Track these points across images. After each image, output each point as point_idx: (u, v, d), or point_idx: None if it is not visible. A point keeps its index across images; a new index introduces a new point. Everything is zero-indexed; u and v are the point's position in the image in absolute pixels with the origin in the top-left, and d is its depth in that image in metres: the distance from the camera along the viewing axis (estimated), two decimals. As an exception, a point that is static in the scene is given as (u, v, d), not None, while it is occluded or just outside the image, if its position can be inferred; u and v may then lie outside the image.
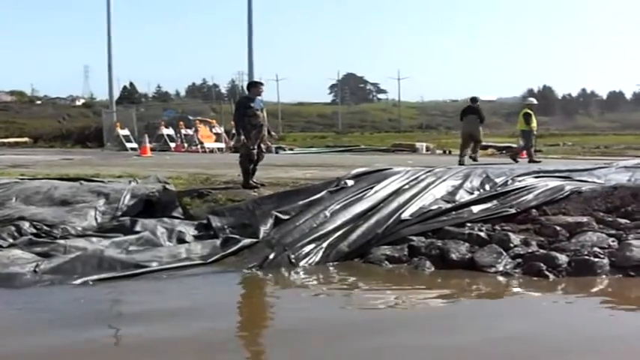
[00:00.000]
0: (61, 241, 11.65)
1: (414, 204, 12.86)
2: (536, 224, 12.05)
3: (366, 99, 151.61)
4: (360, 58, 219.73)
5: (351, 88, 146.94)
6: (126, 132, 41.08)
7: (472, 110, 24.33)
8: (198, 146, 39.29)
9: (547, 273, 10.22)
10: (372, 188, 13.29)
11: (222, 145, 39.64)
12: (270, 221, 12.50)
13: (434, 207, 12.85)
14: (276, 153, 35.47)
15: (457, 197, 13.32)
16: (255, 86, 15.71)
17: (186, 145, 39.87)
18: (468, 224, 12.15)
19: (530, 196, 13.12)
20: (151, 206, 13.64)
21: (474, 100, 24.73)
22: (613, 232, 11.50)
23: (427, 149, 42.14)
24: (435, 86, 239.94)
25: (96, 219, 12.98)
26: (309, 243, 11.68)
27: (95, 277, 10.31)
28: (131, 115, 45.11)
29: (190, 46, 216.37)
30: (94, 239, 11.90)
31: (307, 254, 11.43)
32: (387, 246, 11.61)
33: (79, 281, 10.14)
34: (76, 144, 48.87)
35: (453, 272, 10.69)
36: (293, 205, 12.91)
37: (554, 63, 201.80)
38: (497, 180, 14.18)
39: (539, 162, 22.45)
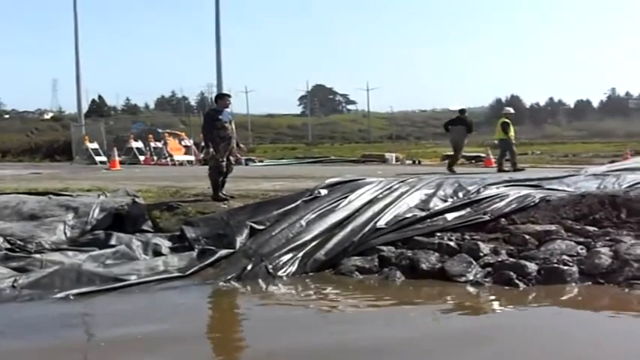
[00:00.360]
0: (37, 256, 11.55)
1: (388, 212, 12.90)
2: (506, 233, 12.12)
3: (335, 110, 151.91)
4: (329, 69, 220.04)
5: (320, 99, 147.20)
6: (95, 145, 40.87)
7: (459, 121, 25.21)
8: (168, 159, 39.19)
9: (517, 282, 10.27)
10: (346, 198, 13.31)
11: (191, 157, 39.53)
12: (246, 231, 12.48)
13: (408, 215, 12.90)
14: (246, 165, 35.49)
15: (431, 205, 13.34)
16: (222, 98, 15.78)
17: (155, 157, 39.75)
18: (438, 234, 12.21)
19: (502, 204, 13.21)
20: (120, 220, 13.55)
21: (462, 111, 25.93)
22: (582, 239, 11.59)
23: (397, 159, 42.17)
24: (405, 97, 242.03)
25: (65, 233, 12.88)
26: (286, 253, 11.69)
27: (75, 291, 10.25)
28: (100, 129, 44.94)
29: (159, 59, 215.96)
30: (70, 253, 11.82)
31: (285, 264, 11.46)
32: (358, 257, 11.64)
33: (59, 295, 10.08)
34: (44, 158, 48.65)
35: (423, 282, 10.71)
36: (268, 215, 12.90)
37: (522, 72, 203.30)
38: (470, 188, 14.24)
39: (508, 172, 22.59)
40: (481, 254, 11.24)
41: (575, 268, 10.51)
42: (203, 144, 16.22)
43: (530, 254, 11.13)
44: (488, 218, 12.79)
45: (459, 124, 25.10)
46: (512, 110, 26.68)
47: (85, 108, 64.39)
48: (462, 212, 13.10)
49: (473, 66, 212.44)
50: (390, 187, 13.93)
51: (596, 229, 12.04)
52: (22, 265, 11.21)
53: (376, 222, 12.59)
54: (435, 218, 12.88)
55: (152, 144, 40.54)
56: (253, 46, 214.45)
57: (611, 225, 12.14)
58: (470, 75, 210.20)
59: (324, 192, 13.61)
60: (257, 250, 11.83)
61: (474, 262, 10.95)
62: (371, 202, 13.21)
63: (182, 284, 10.86)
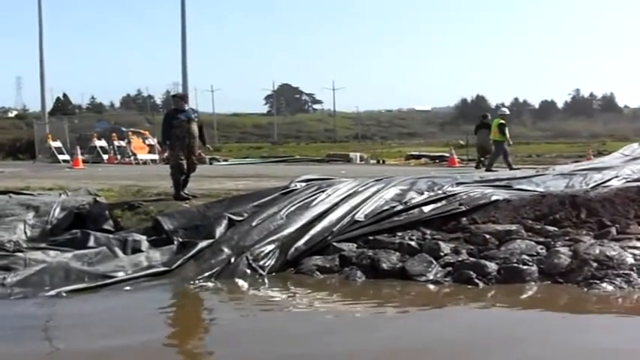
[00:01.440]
0: (20, 254, 11.51)
1: (366, 206, 13.05)
2: (466, 233, 12.17)
3: (301, 109, 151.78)
4: (295, 68, 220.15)
5: (286, 98, 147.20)
6: (58, 144, 40.48)
7: (484, 125, 27.71)
8: (131, 158, 39.00)
9: (477, 281, 10.34)
10: (323, 192, 13.43)
11: (155, 156, 39.32)
12: (225, 222, 12.52)
13: (386, 207, 13.04)
14: (210, 164, 35.34)
15: (407, 198, 13.47)
16: (174, 99, 15.98)
17: (119, 156, 39.53)
18: (399, 233, 12.24)
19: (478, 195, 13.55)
20: (81, 219, 13.47)
21: (484, 116, 28.76)
22: (541, 239, 11.67)
23: (361, 159, 42.31)
24: (370, 97, 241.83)
25: (25, 232, 12.76)
26: (268, 244, 11.77)
27: (68, 288, 10.30)
28: (63, 127, 44.54)
29: (125, 57, 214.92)
30: (52, 252, 11.71)
31: (266, 255, 11.56)
32: (319, 256, 11.64)
33: (51, 293, 10.12)
34: (7, 156, 48.12)
35: (384, 282, 10.73)
36: (245, 207, 13.02)
37: (487, 73, 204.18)
38: (444, 183, 14.54)
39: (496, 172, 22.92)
40: (442, 254, 11.28)
41: (534, 268, 10.58)
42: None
43: (491, 254, 11.19)
44: (465, 209, 12.97)
45: (482, 128, 27.75)
46: (507, 111, 28.12)
47: (49, 106, 64.13)
48: (438, 204, 13.27)
49: (438, 66, 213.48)
50: (367, 184, 14.06)
51: (556, 228, 12.13)
52: (5, 263, 11.19)
53: (354, 215, 12.73)
54: (411, 211, 13.04)
55: (116, 143, 40.34)
56: (219, 45, 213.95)
57: (571, 225, 12.23)
58: (435, 75, 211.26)
59: (300, 185, 13.77)
60: (238, 241, 11.86)
61: (435, 262, 10.98)
62: (349, 197, 13.33)
63: (170, 281, 10.92)
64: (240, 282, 10.91)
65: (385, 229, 12.46)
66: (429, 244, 11.68)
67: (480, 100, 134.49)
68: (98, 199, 14.38)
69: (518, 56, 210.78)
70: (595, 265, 10.35)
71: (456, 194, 13.65)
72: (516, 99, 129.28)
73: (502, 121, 25.67)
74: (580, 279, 10.19)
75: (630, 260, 10.47)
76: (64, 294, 10.12)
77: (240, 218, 12.66)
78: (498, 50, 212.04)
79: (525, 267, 10.57)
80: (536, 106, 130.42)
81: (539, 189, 14.65)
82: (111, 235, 12.54)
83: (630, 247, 10.92)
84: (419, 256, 11.19)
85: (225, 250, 11.61)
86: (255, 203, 13.14)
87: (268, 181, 17.82)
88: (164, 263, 11.41)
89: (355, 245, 11.95)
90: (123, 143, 40.55)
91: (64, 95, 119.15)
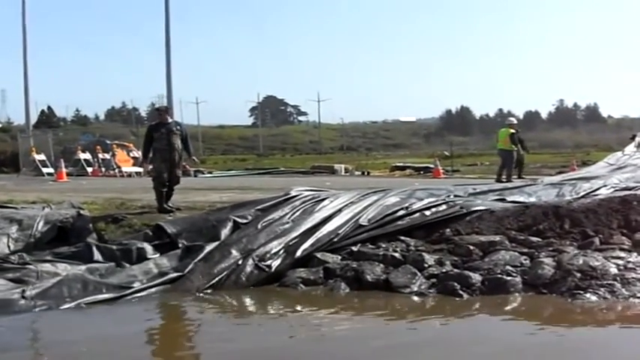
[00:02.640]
0: (32, 267, 11.45)
1: (370, 211, 13.26)
2: (450, 244, 12.17)
3: (286, 121, 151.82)
4: (280, 80, 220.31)
5: (271, 110, 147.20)
6: (42, 157, 40.32)
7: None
8: (116, 170, 38.92)
9: (461, 292, 10.32)
10: (326, 199, 13.70)
11: (139, 169, 39.15)
12: (230, 225, 12.71)
13: (388, 212, 13.25)
14: (195, 176, 35.33)
15: (408, 204, 13.70)
16: (157, 112, 15.98)
17: (103, 169, 39.44)
18: (383, 245, 12.24)
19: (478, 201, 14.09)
20: (64, 232, 13.43)
21: (517, 131, 27.72)
22: (525, 250, 11.68)
23: (346, 171, 42.36)
24: (356, 108, 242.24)
25: (8, 246, 12.64)
26: (275, 246, 11.95)
27: (88, 299, 10.35)
28: (48, 140, 44.43)
29: (110, 70, 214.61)
30: (60, 265, 11.63)
31: (273, 255, 11.73)
32: (303, 268, 11.57)
33: (72, 304, 10.16)
34: (-9, 169, 47.97)
35: (368, 293, 10.69)
36: (249, 211, 13.24)
37: (471, 84, 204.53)
38: (440, 193, 14.93)
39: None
40: (426, 265, 11.26)
41: (518, 279, 10.57)
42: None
43: (475, 265, 11.18)
44: (465, 212, 13.25)
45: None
46: (515, 121, 28.21)
47: (33, 119, 63.94)
48: (440, 208, 13.54)
49: (423, 77, 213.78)
50: (366, 194, 14.32)
51: (539, 239, 12.16)
52: (17, 276, 11.11)
53: (358, 220, 12.89)
54: (414, 215, 13.29)
55: (100, 155, 40.24)
56: (204, 57, 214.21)
57: (555, 235, 12.27)
58: (420, 86, 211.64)
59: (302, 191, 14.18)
60: (247, 244, 11.97)
61: (419, 273, 10.95)
62: (352, 203, 13.53)
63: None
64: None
65: (389, 233, 12.72)
66: (413, 255, 11.67)
67: (464, 111, 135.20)
68: (82, 212, 14.29)
69: (502, 67, 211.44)
70: (579, 275, 10.35)
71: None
72: (501, 110, 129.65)
73: (513, 131, 26.18)
74: (564, 289, 10.19)
75: (614, 270, 10.48)
76: (84, 305, 10.16)
77: (246, 221, 12.86)
78: (482, 61, 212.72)
79: (509, 278, 10.56)
80: (521, 116, 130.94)
81: (531, 199, 14.95)
82: (114, 246, 12.46)
83: (613, 258, 10.94)
84: (403, 268, 11.16)
85: (234, 252, 11.71)
86: (259, 207, 13.39)
87: (253, 194, 17.81)
88: (174, 268, 11.47)
89: (339, 257, 11.93)
90: (107, 156, 40.47)
91: (49, 108, 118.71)
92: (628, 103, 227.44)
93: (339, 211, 13.15)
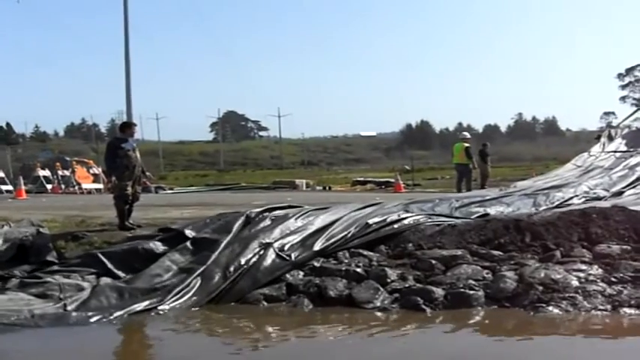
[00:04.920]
0: (51, 279, 11.48)
1: (374, 214, 13.82)
2: (413, 259, 12.13)
3: (247, 136, 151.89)
4: (240, 95, 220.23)
5: (232, 125, 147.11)
6: (0, 174, 40.10)
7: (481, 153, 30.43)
8: (76, 187, 38.68)
9: (424, 307, 10.28)
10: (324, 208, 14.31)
11: (100, 185, 38.98)
12: (242, 219, 12.97)
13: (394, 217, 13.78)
14: (156, 193, 35.22)
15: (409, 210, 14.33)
16: (129, 127, 15.67)
17: (63, 186, 39.18)
18: (345, 260, 12.21)
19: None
20: (24, 250, 13.29)
21: (484, 145, 31.89)
22: (487, 264, 11.66)
23: (307, 186, 42.42)
24: (316, 123, 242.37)
25: (-32, 265, 12.57)
26: (292, 239, 12.44)
27: (138, 306, 10.53)
28: (6, 157, 44.15)
29: (69, 85, 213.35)
30: (77, 276, 11.74)
31: (292, 247, 12.26)
32: (265, 286, 11.47)
33: (121, 312, 10.30)
34: (-52, 188, 47.48)
35: (332, 309, 10.64)
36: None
37: (431, 98, 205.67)
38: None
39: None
40: (388, 280, 11.19)
41: (481, 293, 10.56)
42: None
43: (437, 279, 11.15)
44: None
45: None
46: (468, 135, 29.57)
47: (-9, 136, 63.30)
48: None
49: (382, 92, 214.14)
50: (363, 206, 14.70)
51: (501, 253, 12.14)
52: (41, 290, 11.12)
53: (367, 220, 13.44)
54: (416, 217, 14.03)
55: (60, 172, 39.97)
56: (164, 73, 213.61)
57: (516, 249, 12.26)
58: (380, 101, 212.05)
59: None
60: (264, 237, 12.38)
61: (382, 289, 10.91)
62: (358, 210, 14.07)
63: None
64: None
65: (395, 233, 13.29)
66: (375, 270, 11.62)
67: (424, 126, 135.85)
68: (42, 230, 14.14)
69: (461, 81, 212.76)
70: (541, 288, 10.37)
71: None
72: (460, 124, 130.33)
73: (468, 145, 27.28)
74: (526, 303, 10.19)
75: (575, 283, 10.51)
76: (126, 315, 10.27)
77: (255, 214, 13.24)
78: (442, 76, 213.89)
79: (472, 292, 10.55)
80: (480, 130, 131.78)
81: (509, 209, 15.57)
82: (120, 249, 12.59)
83: (575, 270, 10.97)
84: (365, 283, 11.12)
85: (256, 240, 12.18)
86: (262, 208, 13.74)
87: (214, 210, 17.71)
88: (193, 262, 11.70)
89: (302, 273, 11.89)
90: (67, 173, 40.21)
91: (7, 124, 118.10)
92: (585, 116, 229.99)
93: (346, 215, 13.62)
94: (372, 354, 8.79)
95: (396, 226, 13.52)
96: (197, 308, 10.85)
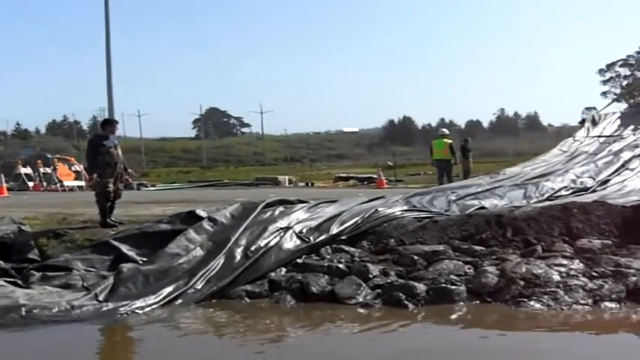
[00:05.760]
0: (74, 271, 11.56)
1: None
2: (395, 254, 12.15)
3: (230, 133, 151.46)
4: (222, 92, 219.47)
5: (214, 122, 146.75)
6: (-19, 172, 39.95)
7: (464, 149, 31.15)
8: (58, 185, 38.56)
9: (406, 302, 10.28)
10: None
11: (82, 183, 38.85)
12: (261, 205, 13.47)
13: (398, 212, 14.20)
14: (138, 190, 35.12)
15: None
16: (110, 124, 15.63)
17: (45, 183, 39.09)
18: (328, 256, 12.23)
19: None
20: (5, 248, 13.23)
21: (465, 140, 32.51)
22: (469, 259, 11.71)
23: (290, 182, 42.40)
24: (299, 119, 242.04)
25: (-52, 263, 12.51)
26: (309, 224, 12.94)
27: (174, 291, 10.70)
28: (-13, 155, 43.99)
29: (50, 82, 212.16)
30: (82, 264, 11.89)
31: (308, 232, 12.68)
32: (248, 284, 11.44)
33: (157, 299, 10.45)
34: None
35: (314, 305, 10.64)
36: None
37: (413, 94, 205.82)
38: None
39: None
40: (371, 276, 11.20)
41: (463, 288, 10.58)
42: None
43: (419, 275, 11.16)
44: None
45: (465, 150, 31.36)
46: (447, 131, 30.39)
47: (-28, 134, 63.04)
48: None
49: (365, 88, 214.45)
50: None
51: (483, 248, 12.20)
52: (64, 282, 11.25)
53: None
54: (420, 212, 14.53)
55: (41, 169, 39.88)
56: (145, 69, 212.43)
57: (498, 244, 12.31)
58: (363, 97, 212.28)
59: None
60: (280, 221, 12.83)
61: (364, 284, 10.91)
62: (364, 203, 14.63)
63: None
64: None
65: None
66: (357, 266, 11.63)
67: (407, 121, 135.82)
68: (23, 227, 14.08)
69: (444, 77, 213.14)
70: (522, 283, 10.41)
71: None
72: (442, 119, 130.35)
73: (450, 141, 28.17)
74: (508, 298, 10.23)
75: (556, 278, 10.56)
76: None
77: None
78: (424, 71, 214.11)
79: (454, 287, 10.57)
80: (463, 126, 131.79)
81: (502, 202, 16.10)
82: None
83: (556, 265, 11.02)
84: (348, 279, 11.12)
85: (275, 224, 12.57)
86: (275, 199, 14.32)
87: (197, 206, 17.65)
88: (216, 241, 12.02)
89: (284, 269, 11.90)
90: (49, 170, 40.13)
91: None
92: (567, 111, 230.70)
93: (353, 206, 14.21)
94: (353, 350, 8.81)
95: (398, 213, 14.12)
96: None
